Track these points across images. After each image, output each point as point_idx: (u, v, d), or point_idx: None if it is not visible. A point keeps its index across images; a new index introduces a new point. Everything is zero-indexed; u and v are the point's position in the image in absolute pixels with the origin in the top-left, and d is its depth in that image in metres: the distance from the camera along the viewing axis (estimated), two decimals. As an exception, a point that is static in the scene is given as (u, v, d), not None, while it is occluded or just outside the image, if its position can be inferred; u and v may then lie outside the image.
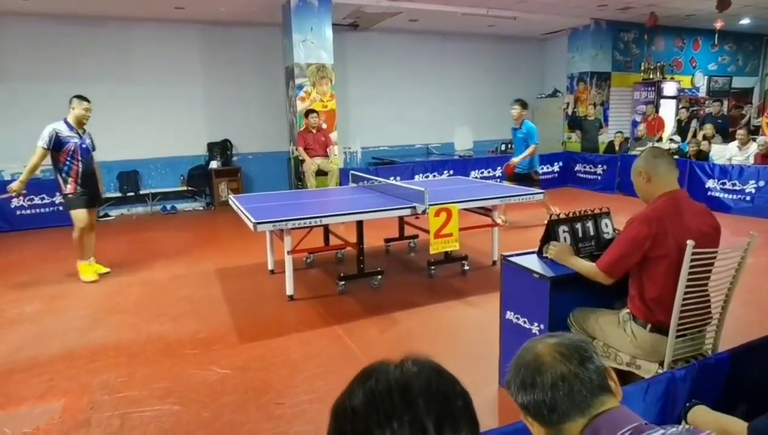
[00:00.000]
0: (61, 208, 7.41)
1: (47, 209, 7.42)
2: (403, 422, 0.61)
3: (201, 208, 8.90)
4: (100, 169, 5.05)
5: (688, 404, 1.53)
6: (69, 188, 4.69)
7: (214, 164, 8.81)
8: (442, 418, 0.63)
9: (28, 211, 7.32)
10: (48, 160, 4.65)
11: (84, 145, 4.77)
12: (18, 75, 7.79)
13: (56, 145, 4.58)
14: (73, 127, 4.70)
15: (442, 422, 0.62)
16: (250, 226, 3.83)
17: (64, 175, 4.68)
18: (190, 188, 8.90)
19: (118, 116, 8.23)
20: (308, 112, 7.43)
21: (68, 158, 4.64)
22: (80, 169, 4.71)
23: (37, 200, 7.35)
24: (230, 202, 4.99)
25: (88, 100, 4.78)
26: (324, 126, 7.80)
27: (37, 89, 7.82)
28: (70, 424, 2.61)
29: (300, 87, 7.89)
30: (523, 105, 6.57)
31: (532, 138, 6.42)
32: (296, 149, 7.68)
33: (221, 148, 9.02)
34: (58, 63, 7.96)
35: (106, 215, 8.17)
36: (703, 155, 8.24)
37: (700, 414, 1.48)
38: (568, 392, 0.97)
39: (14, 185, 4.60)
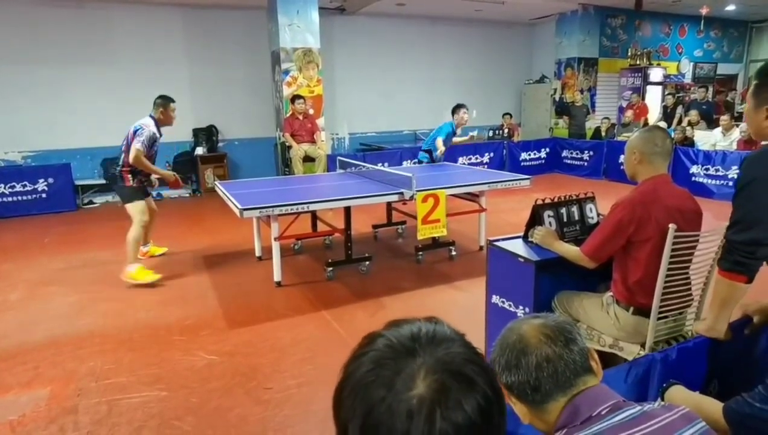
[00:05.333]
0: (44, 195, 7.35)
1: (29, 197, 7.28)
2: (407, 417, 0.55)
3: (187, 195, 8.81)
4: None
5: (665, 384, 1.56)
6: (135, 182, 4.48)
7: (199, 150, 8.71)
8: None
9: (10, 199, 7.18)
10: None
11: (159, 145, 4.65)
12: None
13: (147, 146, 4.38)
14: (159, 127, 4.54)
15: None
16: (237, 212, 3.81)
17: (136, 172, 4.46)
18: (175, 175, 8.78)
19: (99, 101, 8.07)
20: (295, 98, 7.36)
21: (148, 159, 4.46)
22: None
23: (18, 187, 7.21)
24: (217, 189, 4.95)
25: (173, 100, 4.62)
26: (311, 112, 7.74)
27: (14, 71, 7.64)
28: (56, 411, 2.60)
29: (286, 72, 7.80)
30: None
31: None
32: (283, 135, 7.62)
33: (207, 134, 8.91)
34: (36, 46, 7.75)
35: (91, 202, 8.05)
36: (689, 141, 8.33)
37: (677, 393, 1.51)
38: (552, 373, 0.98)
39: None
